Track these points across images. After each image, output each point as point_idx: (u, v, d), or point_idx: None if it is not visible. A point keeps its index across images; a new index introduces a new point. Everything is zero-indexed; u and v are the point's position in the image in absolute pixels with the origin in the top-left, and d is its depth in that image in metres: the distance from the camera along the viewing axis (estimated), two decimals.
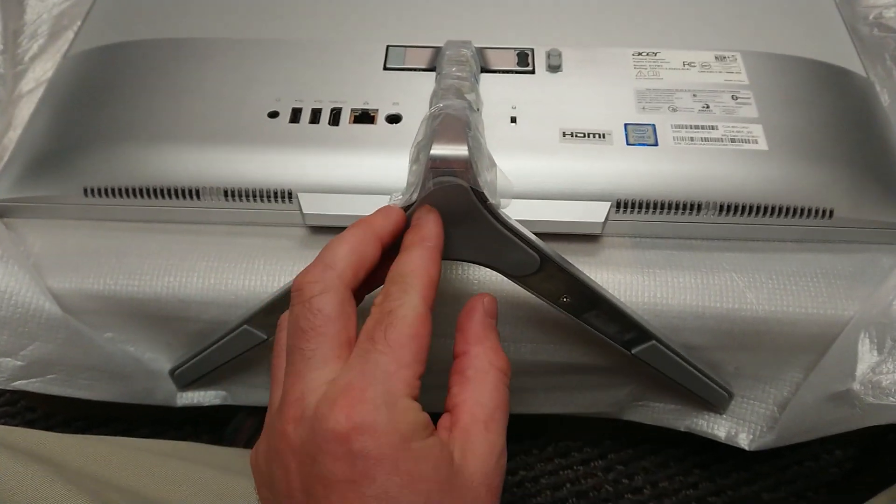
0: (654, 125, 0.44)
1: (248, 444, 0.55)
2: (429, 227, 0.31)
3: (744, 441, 0.45)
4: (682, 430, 0.47)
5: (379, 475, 0.24)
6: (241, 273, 0.42)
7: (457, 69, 0.40)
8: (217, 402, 0.47)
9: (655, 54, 0.48)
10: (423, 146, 0.32)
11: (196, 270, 0.42)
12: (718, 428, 0.46)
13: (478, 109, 0.36)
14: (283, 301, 0.38)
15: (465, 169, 0.30)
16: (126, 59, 0.49)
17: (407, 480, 0.24)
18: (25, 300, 0.40)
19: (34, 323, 0.40)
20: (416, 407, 0.26)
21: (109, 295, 0.42)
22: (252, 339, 0.41)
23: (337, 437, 0.24)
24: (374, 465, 0.24)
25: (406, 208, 0.32)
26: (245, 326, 0.40)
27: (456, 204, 0.31)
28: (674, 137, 0.43)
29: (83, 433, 0.65)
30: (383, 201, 0.42)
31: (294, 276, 0.42)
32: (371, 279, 0.30)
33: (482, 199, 0.31)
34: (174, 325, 0.43)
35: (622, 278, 0.42)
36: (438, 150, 0.30)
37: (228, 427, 0.55)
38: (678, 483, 0.63)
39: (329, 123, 0.44)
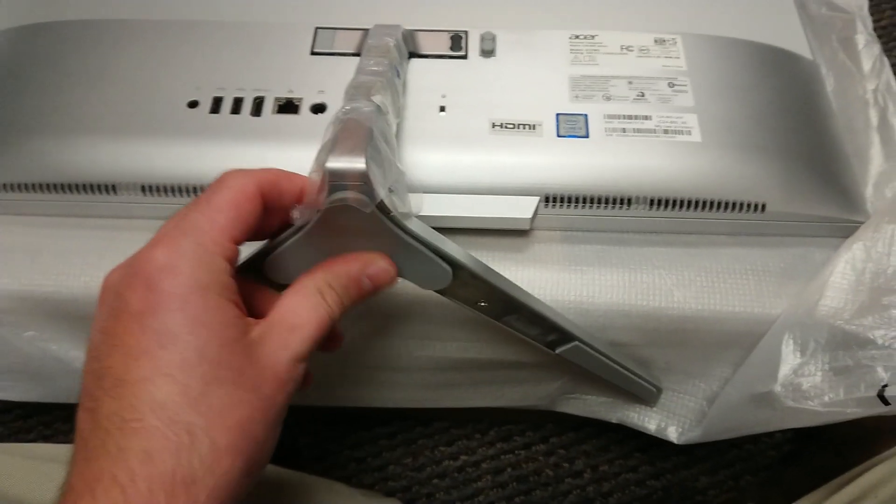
0: (586, 115, 0.43)
1: None
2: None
3: (673, 434, 0.45)
4: (614, 422, 0.47)
5: (164, 310, 0.25)
6: None
7: (374, 62, 0.38)
8: None
9: (593, 37, 0.47)
10: (321, 153, 0.30)
11: None
12: (649, 421, 0.46)
13: (387, 112, 0.34)
14: None
15: (362, 182, 0.29)
16: (38, 43, 0.46)
17: (190, 322, 0.25)
18: None
19: None
20: (226, 269, 0.28)
21: (25, 295, 0.41)
22: None
23: (143, 274, 0.26)
24: (164, 300, 0.25)
25: (302, 227, 0.30)
26: None
27: (356, 217, 0.30)
28: (605, 128, 0.42)
29: (23, 420, 0.64)
30: None
31: None
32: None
33: (384, 210, 0.30)
34: None
35: (550, 276, 0.41)
36: (335, 162, 0.29)
37: None
38: (618, 466, 0.63)
39: (251, 114, 0.43)
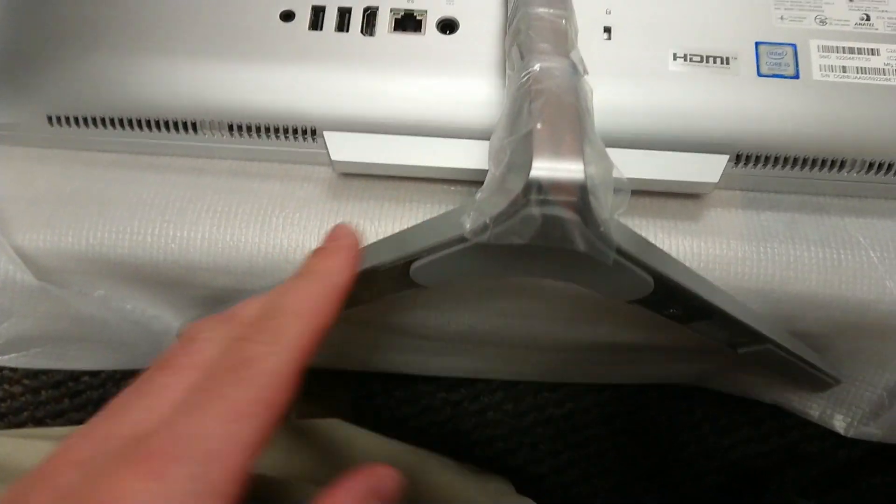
0: (794, 46, 0.33)
1: None
2: (343, 254, 0.24)
3: (840, 425, 0.39)
4: (768, 402, 0.41)
5: None
6: (255, 233, 0.34)
7: None
8: None
9: None
10: (513, 146, 0.22)
11: (199, 228, 0.34)
12: (811, 406, 0.40)
13: (585, 70, 0.25)
14: None
15: (578, 198, 0.21)
16: None
17: None
18: None
19: (5, 296, 0.33)
20: None
21: (95, 257, 0.34)
22: None
23: None
24: None
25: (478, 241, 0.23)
26: None
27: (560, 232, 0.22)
28: (820, 66, 0.33)
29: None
30: (432, 145, 0.33)
31: (321, 239, 0.34)
32: None
33: (595, 225, 0.22)
34: (178, 290, 0.36)
35: (731, 253, 0.34)
36: (542, 170, 0.21)
37: None
38: (742, 418, 0.58)
39: (362, 32, 0.33)
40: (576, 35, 0.27)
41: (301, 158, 0.35)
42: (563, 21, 0.26)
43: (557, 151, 0.21)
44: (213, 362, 0.20)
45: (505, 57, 0.31)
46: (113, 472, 0.18)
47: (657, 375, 0.41)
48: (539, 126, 0.21)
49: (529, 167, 0.21)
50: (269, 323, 0.21)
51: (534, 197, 0.21)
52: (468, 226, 0.23)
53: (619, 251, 0.24)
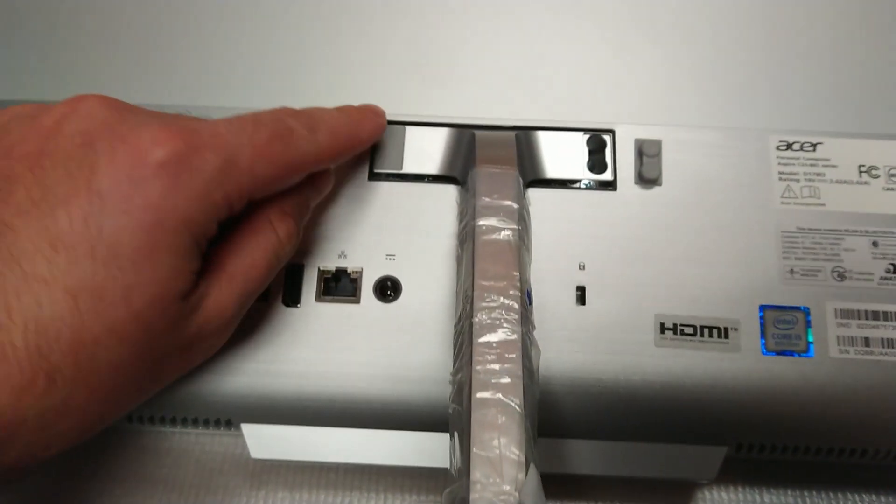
0: (807, 311, 0.27)
1: None
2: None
3: None
4: None
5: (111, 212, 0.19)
6: None
7: (491, 270, 0.22)
8: None
9: (814, 147, 0.30)
10: None
11: None
12: None
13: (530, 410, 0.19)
14: None
15: None
16: None
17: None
18: None
19: None
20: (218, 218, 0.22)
21: None
22: None
23: (132, 143, 0.20)
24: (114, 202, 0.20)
25: None
26: None
27: None
28: (838, 338, 0.27)
29: None
30: (369, 440, 0.27)
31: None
32: None
33: None
34: None
35: None
36: None
37: None
38: None
39: (283, 301, 0.27)
40: (534, 408, 0.21)
41: (218, 437, 0.29)
42: (511, 335, 0.20)
43: None
44: None
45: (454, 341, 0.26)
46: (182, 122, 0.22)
47: None
48: None
49: None
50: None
51: None
52: None
53: None
